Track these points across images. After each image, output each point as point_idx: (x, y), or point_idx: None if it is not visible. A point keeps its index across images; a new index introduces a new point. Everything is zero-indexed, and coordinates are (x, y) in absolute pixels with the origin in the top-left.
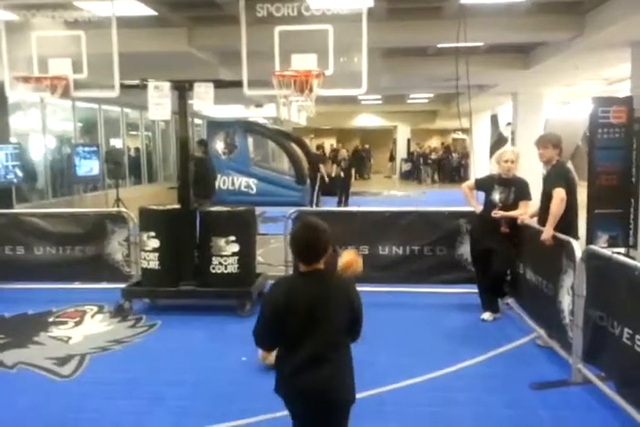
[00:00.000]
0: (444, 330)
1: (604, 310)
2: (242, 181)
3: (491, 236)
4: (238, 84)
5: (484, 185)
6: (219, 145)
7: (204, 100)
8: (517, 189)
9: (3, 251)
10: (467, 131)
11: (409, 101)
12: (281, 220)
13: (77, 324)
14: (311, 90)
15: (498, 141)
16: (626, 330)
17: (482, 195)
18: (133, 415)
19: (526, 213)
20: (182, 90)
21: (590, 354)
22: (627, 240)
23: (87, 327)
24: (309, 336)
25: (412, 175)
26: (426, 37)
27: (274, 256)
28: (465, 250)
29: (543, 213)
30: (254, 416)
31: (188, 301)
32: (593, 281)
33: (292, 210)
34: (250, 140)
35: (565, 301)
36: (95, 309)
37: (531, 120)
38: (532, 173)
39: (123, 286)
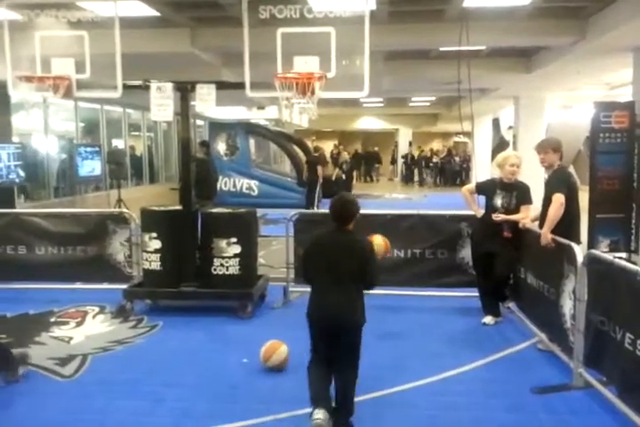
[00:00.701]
0: (445, 333)
1: (605, 314)
2: (243, 183)
3: (492, 239)
4: (240, 85)
5: (486, 189)
6: (220, 146)
7: (206, 102)
8: (519, 194)
9: (4, 251)
10: (468, 134)
11: (411, 104)
12: (282, 222)
13: (79, 324)
14: (313, 92)
15: (500, 145)
16: (627, 335)
17: (482, 198)
18: (134, 416)
19: (528, 217)
20: (185, 91)
21: (591, 359)
22: (628, 245)
23: (88, 328)
24: (326, 273)
25: (408, 178)
26: (428, 40)
27: (275, 258)
28: (466, 253)
29: (544, 218)
30: (256, 418)
31: (190, 302)
32: (594, 286)
33: (293, 212)
34: (251, 141)
35: (567, 305)
36: (97, 309)
37: (532, 124)
38: (534, 177)
39: (124, 286)
